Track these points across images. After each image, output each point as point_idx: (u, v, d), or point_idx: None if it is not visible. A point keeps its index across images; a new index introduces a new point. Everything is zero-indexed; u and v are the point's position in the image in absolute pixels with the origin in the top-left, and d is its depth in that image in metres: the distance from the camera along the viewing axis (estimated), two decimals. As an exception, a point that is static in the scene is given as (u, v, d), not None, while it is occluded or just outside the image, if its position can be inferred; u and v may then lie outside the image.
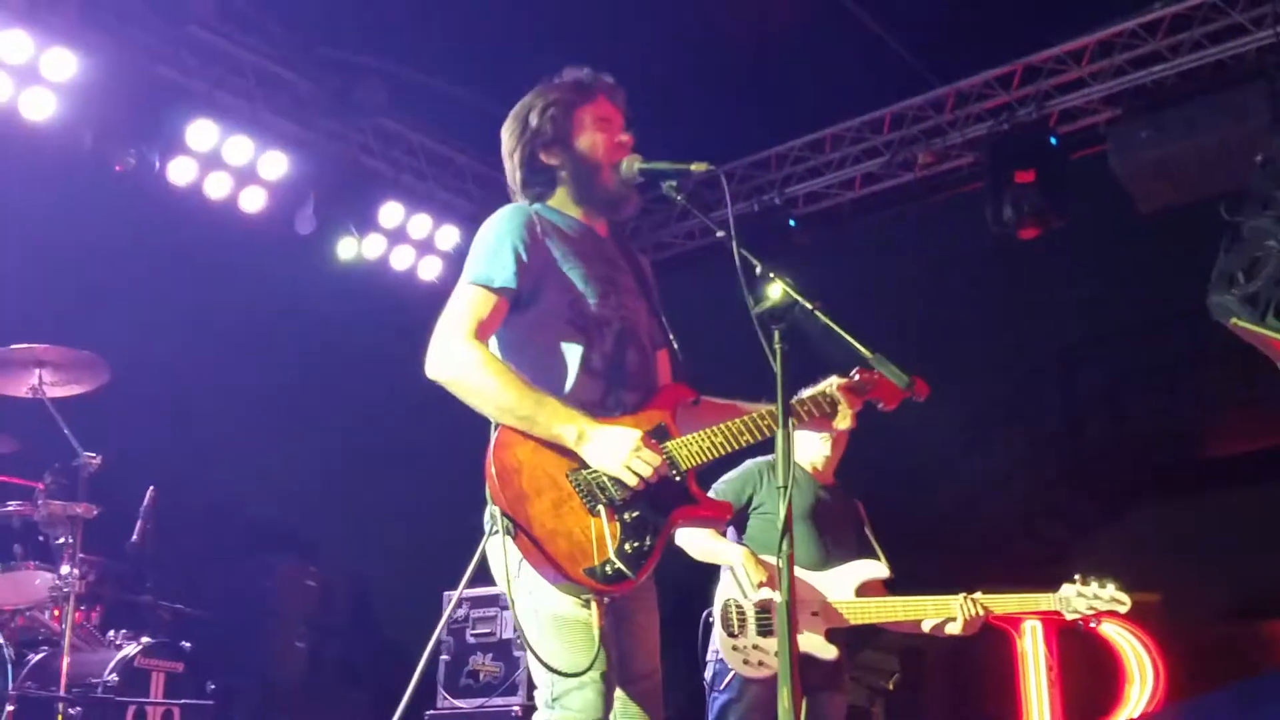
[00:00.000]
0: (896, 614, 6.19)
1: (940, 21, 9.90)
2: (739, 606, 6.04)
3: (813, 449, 6.43)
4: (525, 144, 4.32)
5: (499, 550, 3.82)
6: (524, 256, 4.05)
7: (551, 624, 3.84)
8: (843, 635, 6.14)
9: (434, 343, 3.94)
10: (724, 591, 6.15)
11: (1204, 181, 9.11)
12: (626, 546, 3.83)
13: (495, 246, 4.06)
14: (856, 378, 4.55)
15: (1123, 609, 6.07)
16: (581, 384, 4.04)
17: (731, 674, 6.05)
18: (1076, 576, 6.12)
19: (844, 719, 6.33)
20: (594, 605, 3.83)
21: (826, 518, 6.35)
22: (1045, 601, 6.15)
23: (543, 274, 4.08)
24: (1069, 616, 6.10)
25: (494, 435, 3.88)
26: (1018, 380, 15.65)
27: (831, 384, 4.53)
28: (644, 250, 12.04)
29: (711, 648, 6.18)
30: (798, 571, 6.01)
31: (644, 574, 3.88)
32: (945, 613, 6.11)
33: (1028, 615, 9.89)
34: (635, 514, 3.88)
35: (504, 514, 3.75)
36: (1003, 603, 6.20)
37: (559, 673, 3.78)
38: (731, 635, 6.03)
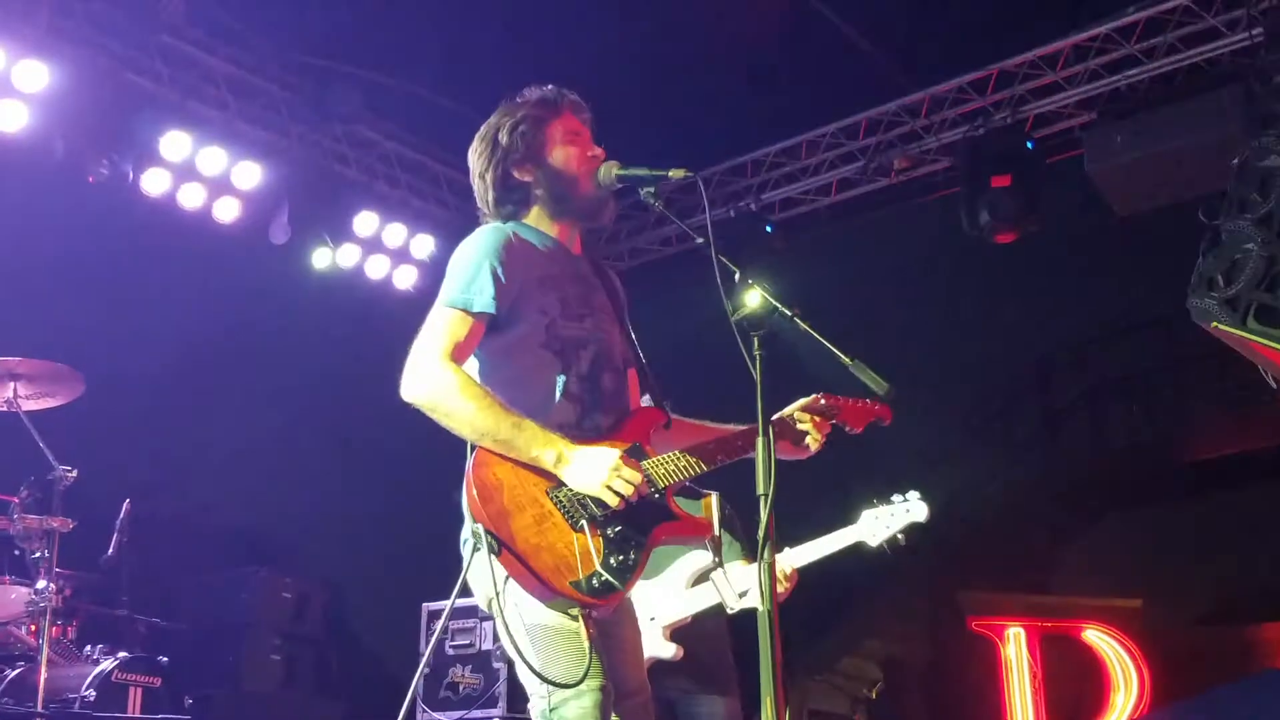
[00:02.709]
0: (708, 598, 5.97)
1: (914, 26, 9.91)
2: None
3: None
4: (497, 163, 4.29)
5: (482, 567, 3.79)
6: (502, 279, 4.03)
7: (542, 636, 3.82)
8: (691, 631, 5.98)
9: (410, 365, 3.92)
10: None
11: (1180, 185, 9.12)
12: (611, 560, 3.82)
13: (474, 269, 4.04)
14: (822, 402, 4.54)
15: (922, 519, 5.78)
16: (558, 407, 4.04)
17: None
18: (873, 499, 5.87)
19: None
20: (581, 618, 3.81)
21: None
22: (845, 537, 5.87)
23: (520, 296, 4.07)
24: (873, 545, 5.83)
25: (472, 454, 3.86)
26: (995, 385, 15.64)
27: (798, 408, 4.52)
28: (620, 257, 12.04)
29: None
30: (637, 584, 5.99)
31: (630, 586, 3.86)
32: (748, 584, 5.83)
33: (1007, 619, 9.87)
34: (618, 529, 3.87)
35: (486, 531, 3.72)
36: (796, 555, 5.93)
37: (555, 683, 3.75)
38: None
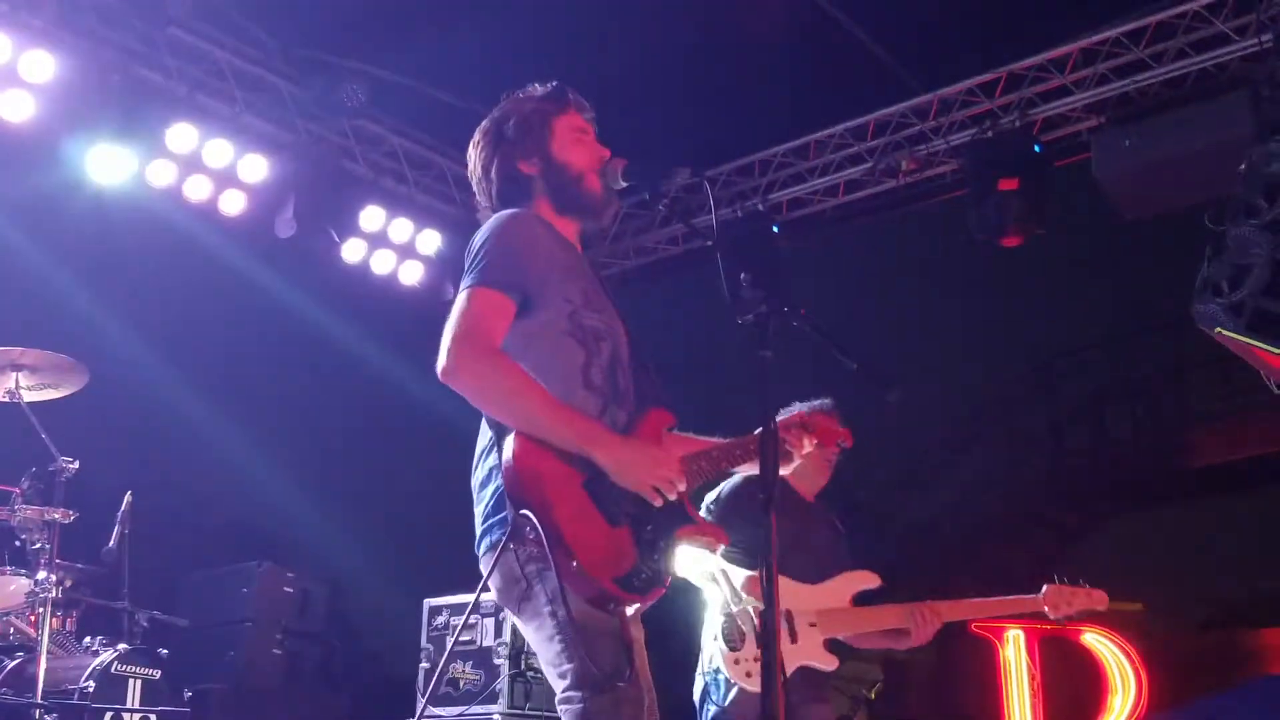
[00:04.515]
0: (887, 621, 6.19)
1: (924, 28, 9.88)
2: (739, 621, 5.99)
3: (803, 472, 6.38)
4: (502, 157, 4.26)
5: (518, 558, 3.76)
6: (531, 261, 3.97)
7: (580, 633, 3.71)
8: (837, 644, 6.14)
9: (450, 346, 3.78)
10: (718, 605, 6.10)
11: (1187, 189, 9.11)
12: (649, 558, 3.78)
13: (503, 249, 3.96)
14: (798, 419, 4.64)
15: (1101, 608, 6.25)
16: (581, 398, 3.94)
17: (734, 688, 5.99)
18: (1055, 577, 6.23)
19: None
20: (618, 616, 3.77)
21: (815, 534, 6.35)
22: (1030, 604, 6.24)
23: (545, 281, 3.99)
24: (1053, 617, 6.21)
25: (511, 443, 3.75)
26: (1000, 388, 15.66)
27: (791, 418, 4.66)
28: (625, 255, 12.04)
29: (706, 662, 6.12)
30: (793, 585, 6.01)
31: (668, 583, 3.83)
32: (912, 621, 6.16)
33: (1007, 622, 9.86)
34: (650, 528, 3.82)
35: (536, 519, 3.63)
36: (982, 608, 6.36)
37: (598, 676, 3.66)
38: (733, 649, 5.97)
